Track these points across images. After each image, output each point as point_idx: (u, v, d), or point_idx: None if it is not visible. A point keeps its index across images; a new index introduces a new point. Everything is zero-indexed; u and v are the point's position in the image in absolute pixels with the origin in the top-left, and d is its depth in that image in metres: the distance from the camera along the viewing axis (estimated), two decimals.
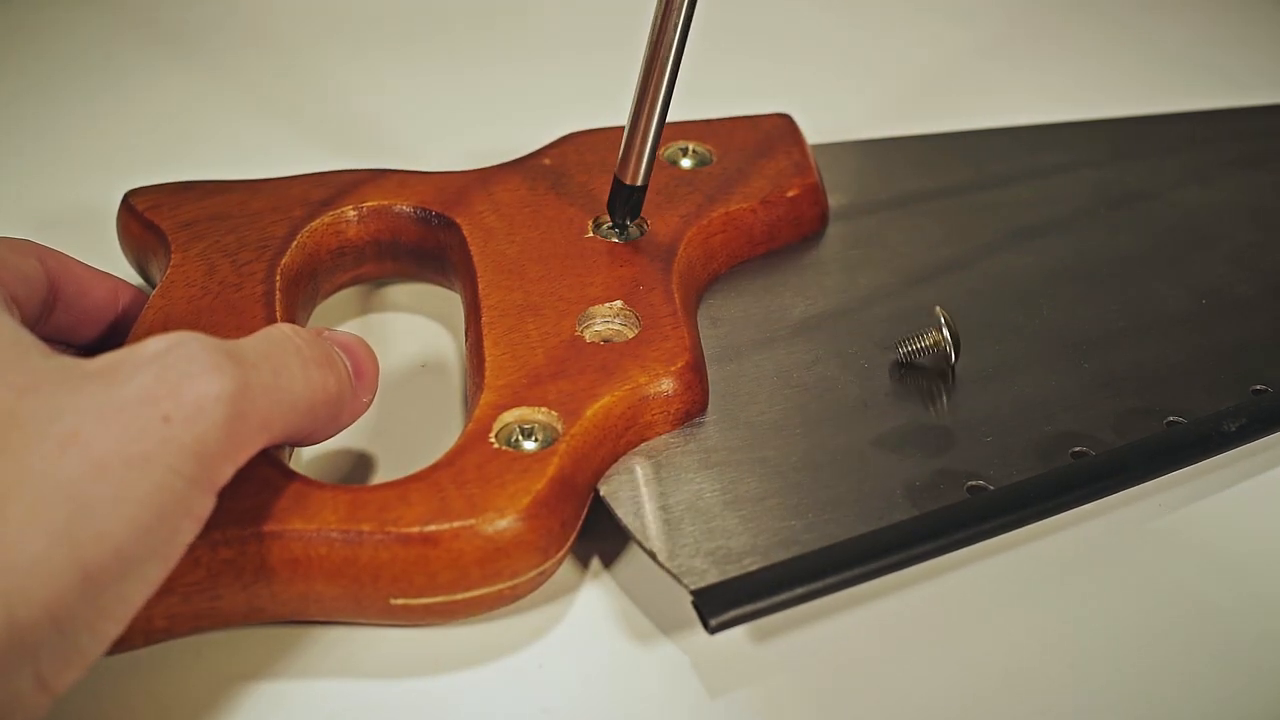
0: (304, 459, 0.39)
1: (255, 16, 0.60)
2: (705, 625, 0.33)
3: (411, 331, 0.44)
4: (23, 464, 0.27)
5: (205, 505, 0.30)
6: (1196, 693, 0.34)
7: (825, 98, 0.56)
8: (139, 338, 0.38)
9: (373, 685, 0.34)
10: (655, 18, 0.39)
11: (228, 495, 0.32)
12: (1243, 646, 0.36)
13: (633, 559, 0.37)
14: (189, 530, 0.29)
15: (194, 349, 0.30)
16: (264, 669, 0.34)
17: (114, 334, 0.39)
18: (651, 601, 0.36)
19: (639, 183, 0.41)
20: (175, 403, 0.29)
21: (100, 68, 0.57)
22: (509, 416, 0.36)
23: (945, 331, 0.39)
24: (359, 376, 0.35)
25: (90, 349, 0.39)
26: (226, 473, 0.30)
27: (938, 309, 0.39)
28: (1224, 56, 0.61)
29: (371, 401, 0.36)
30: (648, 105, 0.40)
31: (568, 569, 0.37)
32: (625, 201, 0.42)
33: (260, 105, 0.55)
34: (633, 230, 0.43)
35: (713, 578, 0.34)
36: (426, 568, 0.33)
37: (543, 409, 0.36)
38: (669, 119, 0.46)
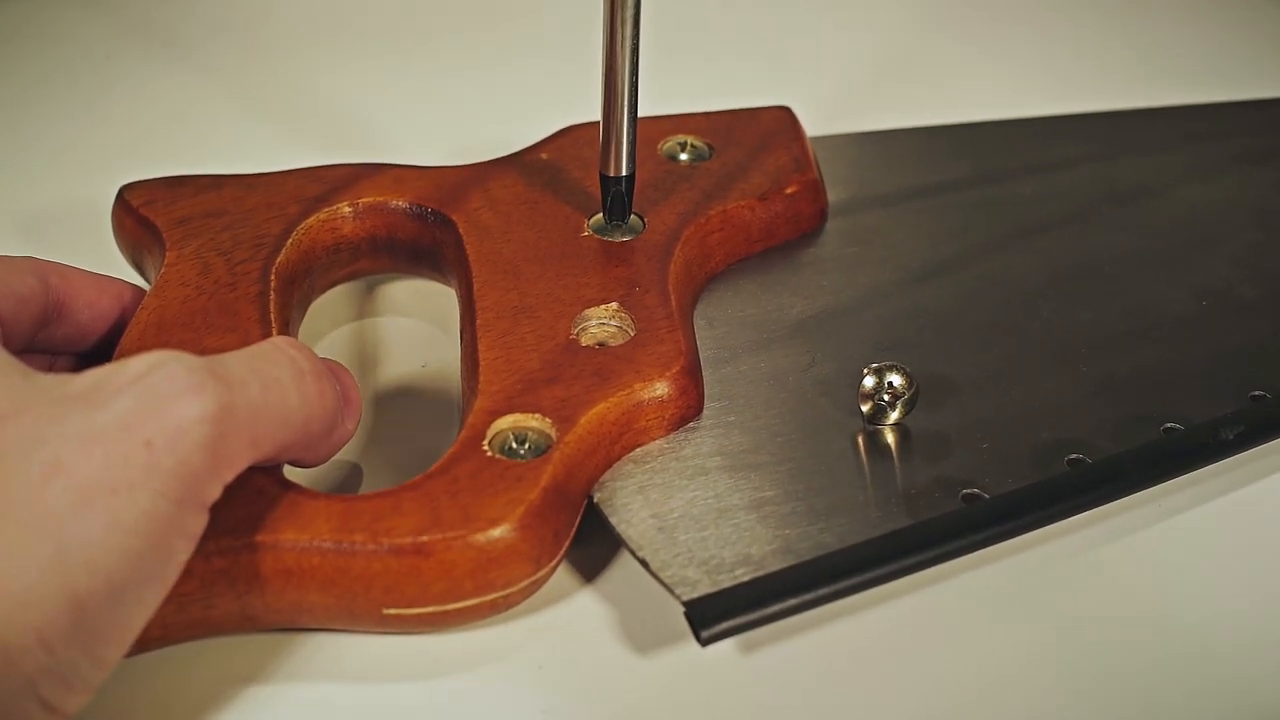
0: None
1: (252, 16, 0.60)
2: (697, 637, 0.33)
3: (409, 333, 0.44)
4: (7, 494, 0.27)
5: (198, 523, 0.30)
6: (1196, 698, 0.34)
7: (823, 88, 0.56)
8: (132, 339, 0.38)
9: (371, 688, 0.34)
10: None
11: (221, 505, 0.32)
12: (1240, 651, 0.36)
13: (633, 559, 0.37)
14: (183, 550, 0.29)
15: (174, 370, 0.30)
16: (262, 672, 0.34)
17: (118, 337, 0.39)
18: (652, 600, 0.36)
19: (622, 173, 0.41)
20: (156, 427, 0.29)
21: (100, 68, 0.57)
22: (503, 423, 0.36)
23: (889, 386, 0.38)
24: (345, 403, 0.35)
25: (95, 353, 0.39)
26: (215, 491, 0.30)
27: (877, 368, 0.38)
28: (1225, 50, 0.60)
29: (355, 430, 0.36)
30: (614, 90, 0.39)
31: (568, 571, 0.37)
32: (613, 193, 0.41)
33: (258, 104, 0.55)
34: (632, 224, 0.42)
35: (705, 588, 0.34)
36: (419, 578, 0.33)
37: (537, 415, 0.36)
38: (668, 111, 0.47)
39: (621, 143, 0.40)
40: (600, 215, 0.42)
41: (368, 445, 0.40)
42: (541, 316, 0.39)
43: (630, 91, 0.40)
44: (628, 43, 0.39)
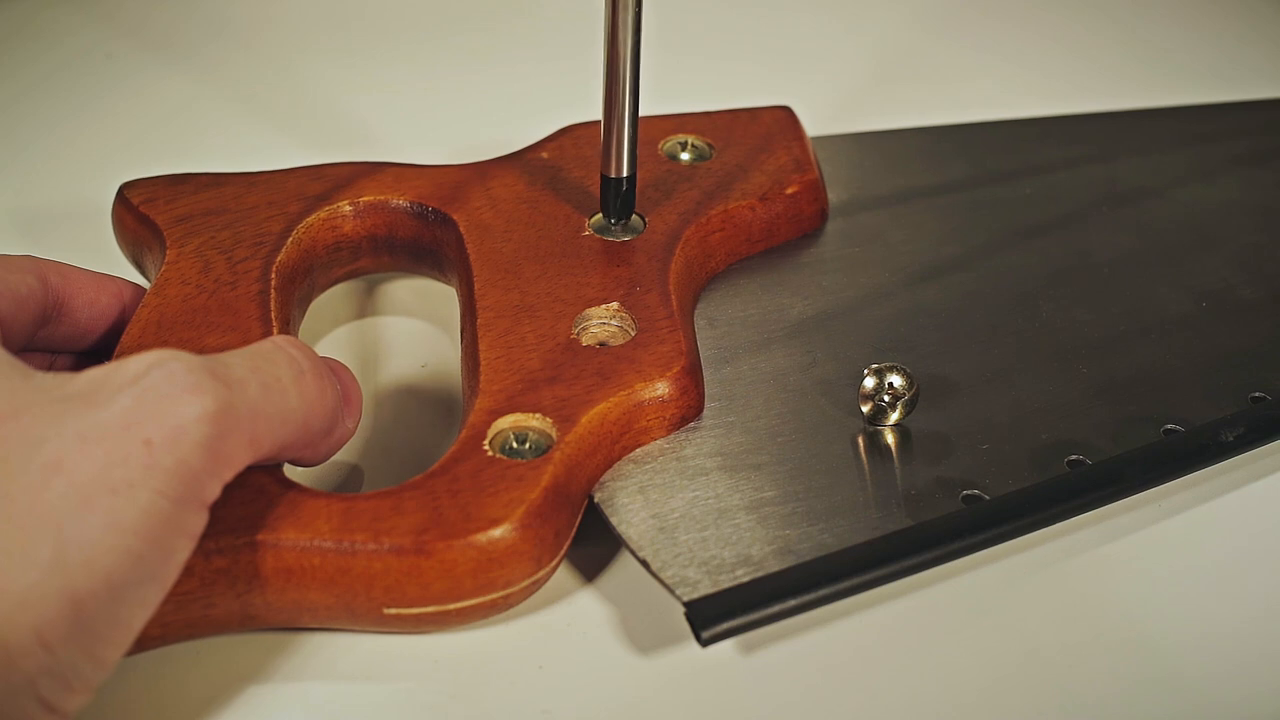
0: None
1: (253, 16, 0.60)
2: (697, 638, 0.33)
3: (409, 332, 0.44)
4: (7, 494, 0.27)
5: (198, 522, 0.30)
6: (1195, 697, 0.34)
7: (824, 88, 0.56)
8: (133, 338, 0.38)
9: (371, 687, 0.34)
10: None
11: (221, 504, 0.32)
12: (1240, 650, 0.36)
13: (633, 559, 0.37)
14: (183, 549, 0.29)
15: (174, 369, 0.30)
16: (262, 672, 0.34)
17: (119, 335, 0.39)
18: (652, 600, 0.36)
19: (623, 174, 0.41)
20: (156, 426, 0.29)
21: (100, 68, 0.56)
22: (504, 423, 0.36)
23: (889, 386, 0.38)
24: (345, 402, 0.35)
25: (95, 352, 0.39)
26: (215, 490, 0.30)
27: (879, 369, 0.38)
28: (1226, 51, 0.60)
29: (355, 428, 0.36)
30: (616, 91, 0.39)
31: (568, 571, 0.37)
32: (613, 195, 0.41)
33: (259, 104, 0.55)
34: (633, 224, 0.42)
35: (705, 588, 0.34)
36: (420, 578, 0.33)
37: (537, 415, 0.36)
38: (669, 111, 0.47)
39: (623, 145, 0.40)
40: (600, 215, 0.42)
41: (368, 445, 0.40)
42: (542, 316, 0.39)
43: (631, 94, 0.39)
44: (629, 46, 0.39)
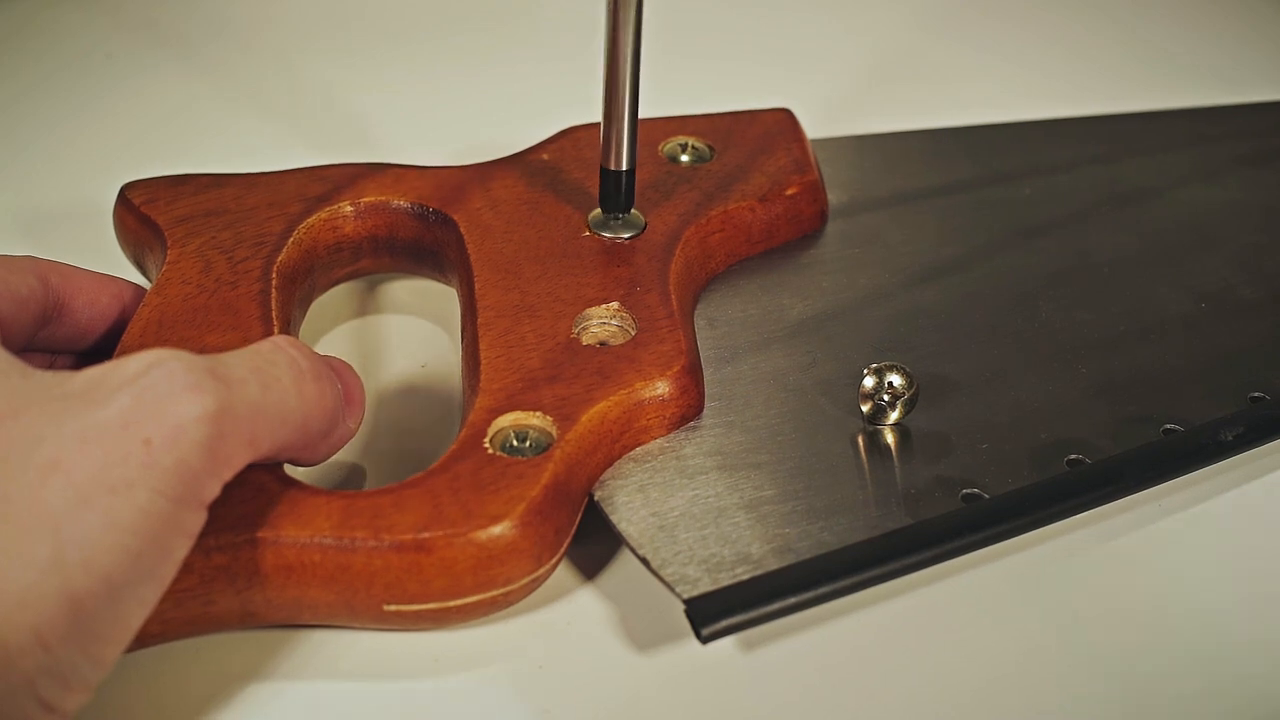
0: None
1: (253, 16, 0.60)
2: (697, 635, 0.33)
3: (410, 332, 0.44)
4: (5, 494, 0.27)
5: (196, 522, 0.30)
6: (1195, 697, 0.34)
7: (824, 90, 0.56)
8: (134, 337, 0.38)
9: (371, 686, 0.34)
10: None
11: (222, 501, 0.32)
12: (1240, 650, 0.36)
13: (633, 558, 0.37)
14: (181, 548, 0.29)
15: (174, 368, 0.30)
16: (262, 670, 0.34)
17: (119, 336, 0.39)
18: (652, 598, 0.36)
19: (623, 167, 0.41)
20: (155, 425, 0.29)
21: (100, 68, 0.57)
22: (504, 421, 0.36)
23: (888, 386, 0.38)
24: (347, 402, 0.35)
25: (96, 352, 0.39)
26: (213, 489, 0.30)
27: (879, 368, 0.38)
28: (1228, 53, 0.60)
29: (358, 428, 0.36)
30: (616, 82, 0.39)
31: (568, 569, 0.37)
32: (612, 188, 0.41)
33: (259, 104, 0.55)
34: (633, 219, 0.42)
35: (705, 586, 0.34)
36: (420, 575, 0.33)
37: (538, 414, 0.36)
38: (669, 113, 0.47)
39: (622, 135, 0.40)
40: (599, 211, 0.42)
41: (369, 443, 0.40)
42: (543, 316, 0.39)
43: (631, 80, 0.39)
44: (629, 38, 0.39)
